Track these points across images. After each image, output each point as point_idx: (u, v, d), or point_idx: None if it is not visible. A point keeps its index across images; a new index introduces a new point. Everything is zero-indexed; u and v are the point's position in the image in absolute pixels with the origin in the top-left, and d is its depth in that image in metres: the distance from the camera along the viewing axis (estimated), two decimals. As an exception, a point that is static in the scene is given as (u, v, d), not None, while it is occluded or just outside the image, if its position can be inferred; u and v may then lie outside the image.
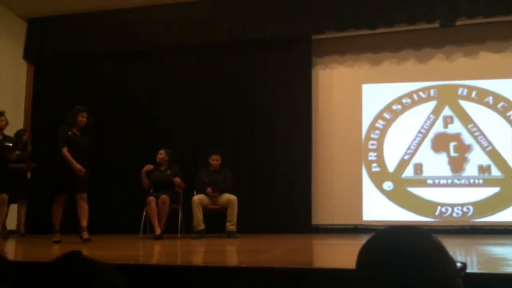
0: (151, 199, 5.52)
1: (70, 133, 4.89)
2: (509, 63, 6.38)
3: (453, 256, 0.88)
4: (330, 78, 6.91)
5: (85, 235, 4.77)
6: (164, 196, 5.49)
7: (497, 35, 6.41)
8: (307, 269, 2.74)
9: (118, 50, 7.11)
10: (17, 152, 5.70)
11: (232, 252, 4.06)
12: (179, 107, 6.94)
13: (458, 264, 0.87)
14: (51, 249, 4.26)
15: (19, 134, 6.02)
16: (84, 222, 4.84)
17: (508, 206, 6.05)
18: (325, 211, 6.50)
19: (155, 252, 4.09)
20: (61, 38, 7.25)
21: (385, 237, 0.90)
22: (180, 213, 5.70)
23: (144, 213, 5.60)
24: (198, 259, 3.57)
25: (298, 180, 6.43)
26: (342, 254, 3.94)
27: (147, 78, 7.11)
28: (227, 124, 6.80)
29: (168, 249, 4.34)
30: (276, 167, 6.52)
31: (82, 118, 4.96)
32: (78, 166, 4.73)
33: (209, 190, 5.64)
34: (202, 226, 5.50)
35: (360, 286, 0.87)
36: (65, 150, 4.78)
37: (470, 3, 6.04)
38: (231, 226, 5.51)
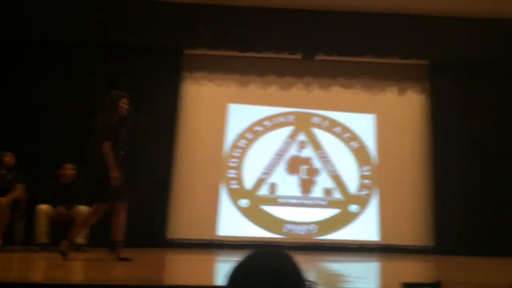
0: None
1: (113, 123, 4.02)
2: (356, 99, 7.22)
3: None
4: (198, 94, 7.03)
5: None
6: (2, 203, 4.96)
7: (348, 73, 7.22)
8: (157, 286, 2.73)
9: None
10: None
11: (78, 268, 3.84)
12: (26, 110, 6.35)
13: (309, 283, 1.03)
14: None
15: None
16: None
17: (346, 225, 6.78)
18: (182, 225, 6.52)
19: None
20: None
21: (253, 259, 1.01)
22: (21, 222, 5.19)
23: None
24: (37, 275, 3.31)
25: (157, 193, 6.36)
26: (195, 271, 4.00)
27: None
28: (82, 129, 6.40)
29: (3, 263, 3.92)
30: (135, 178, 6.34)
31: (124, 105, 4.15)
32: (115, 173, 3.92)
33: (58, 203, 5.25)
34: (46, 239, 5.07)
35: None
36: (108, 146, 3.93)
37: (328, 42, 6.73)
38: (80, 239, 5.19)
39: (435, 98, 7.07)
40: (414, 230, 6.80)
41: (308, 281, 1.03)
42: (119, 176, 3.98)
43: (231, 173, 6.81)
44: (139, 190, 6.23)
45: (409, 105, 7.24)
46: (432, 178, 6.85)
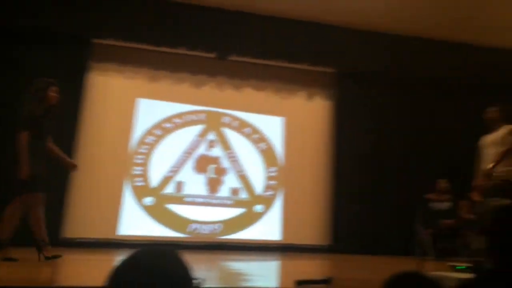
0: None
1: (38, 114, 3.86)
2: (266, 101, 7.38)
3: (198, 272, 1.01)
4: (106, 86, 6.74)
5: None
6: None
7: (260, 76, 7.36)
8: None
9: None
10: None
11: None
12: None
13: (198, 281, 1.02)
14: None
15: None
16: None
17: (250, 225, 6.92)
18: (81, 224, 6.21)
19: None
20: None
21: (137, 258, 0.98)
22: None
23: None
24: None
25: (54, 188, 5.98)
26: (88, 271, 3.84)
27: None
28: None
29: None
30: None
31: (53, 93, 3.94)
32: (25, 166, 3.76)
33: None
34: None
35: None
36: (24, 137, 3.74)
37: (242, 43, 6.79)
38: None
39: (340, 105, 7.47)
40: (313, 230, 7.13)
41: (196, 279, 1.03)
42: (28, 169, 3.79)
43: (137, 170, 6.62)
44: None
45: (316, 110, 7.57)
46: (332, 180, 7.24)
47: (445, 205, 6.69)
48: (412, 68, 7.36)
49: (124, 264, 0.99)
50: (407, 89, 7.54)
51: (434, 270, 3.48)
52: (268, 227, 6.96)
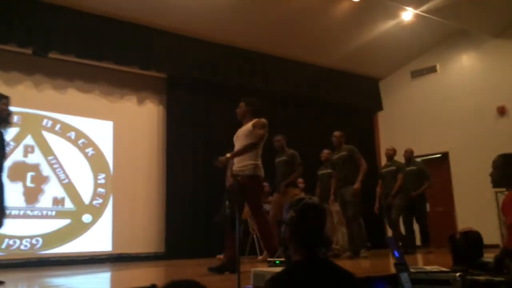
0: None
1: None
2: (93, 104, 6.93)
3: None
4: None
5: None
6: None
7: (85, 76, 6.88)
8: None
9: None
10: None
11: None
12: None
13: None
14: None
15: None
16: None
17: (77, 237, 6.36)
18: None
19: None
20: None
21: None
22: None
23: None
24: None
25: None
26: None
27: None
28: None
29: None
30: None
31: (4, 106, 3.72)
32: None
33: None
34: None
35: None
36: None
37: (64, 40, 6.25)
38: None
39: (170, 110, 7.46)
40: (147, 238, 6.93)
41: None
42: None
43: None
44: None
45: (147, 114, 7.41)
46: (163, 185, 7.16)
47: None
48: (235, 78, 7.77)
49: None
50: (231, 96, 7.91)
51: (252, 266, 3.67)
52: (98, 238, 6.50)
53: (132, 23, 6.79)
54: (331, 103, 8.93)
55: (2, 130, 3.78)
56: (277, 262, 3.26)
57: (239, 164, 3.88)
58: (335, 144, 5.79)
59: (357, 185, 5.40)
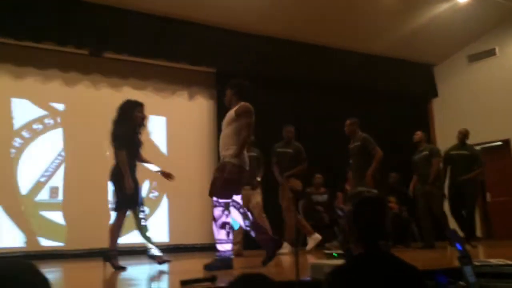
0: None
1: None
2: (146, 100, 6.89)
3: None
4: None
5: None
6: None
7: (139, 74, 7.10)
8: None
9: None
10: None
11: None
12: None
13: None
14: None
15: None
16: None
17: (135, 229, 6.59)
18: None
19: None
20: None
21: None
22: None
23: None
24: None
25: None
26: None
27: None
28: None
29: None
30: None
31: (140, 113, 4.17)
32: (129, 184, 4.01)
33: None
34: None
35: None
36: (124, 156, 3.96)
37: (118, 40, 6.47)
38: None
39: (221, 104, 7.53)
40: (201, 229, 7.08)
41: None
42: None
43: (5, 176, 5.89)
44: None
45: (198, 109, 7.55)
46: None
47: (323, 197, 7.20)
48: (284, 69, 7.74)
49: None
50: (283, 88, 7.92)
51: (311, 258, 3.66)
52: (155, 229, 6.71)
53: (181, 20, 6.92)
54: (383, 91, 8.70)
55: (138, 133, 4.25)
56: (335, 254, 3.25)
57: (225, 152, 3.76)
58: (348, 133, 5.65)
59: (369, 172, 5.18)
